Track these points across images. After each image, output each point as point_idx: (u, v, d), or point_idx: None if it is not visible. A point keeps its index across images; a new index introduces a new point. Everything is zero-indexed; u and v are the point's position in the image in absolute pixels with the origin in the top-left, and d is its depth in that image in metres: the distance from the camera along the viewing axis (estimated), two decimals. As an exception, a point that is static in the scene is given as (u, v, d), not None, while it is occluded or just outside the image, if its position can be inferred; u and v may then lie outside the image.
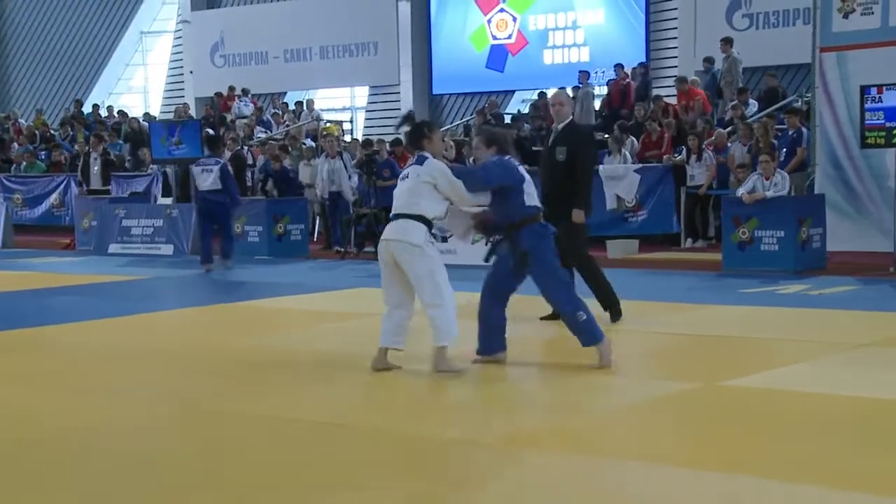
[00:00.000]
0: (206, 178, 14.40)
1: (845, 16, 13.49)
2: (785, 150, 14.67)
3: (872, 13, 13.27)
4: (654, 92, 19.59)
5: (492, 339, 7.47)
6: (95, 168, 19.53)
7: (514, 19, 23.96)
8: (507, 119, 20.46)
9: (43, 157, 23.36)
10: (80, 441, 5.78)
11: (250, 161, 19.53)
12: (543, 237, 7.34)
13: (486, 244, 7.68)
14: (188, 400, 6.72)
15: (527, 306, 8.95)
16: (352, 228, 15.93)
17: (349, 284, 12.14)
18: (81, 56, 30.60)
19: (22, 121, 27.09)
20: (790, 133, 14.84)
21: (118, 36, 30.26)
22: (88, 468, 5.28)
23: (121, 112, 25.88)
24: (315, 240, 17.80)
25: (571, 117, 9.33)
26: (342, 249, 16.04)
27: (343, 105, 28.01)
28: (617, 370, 7.40)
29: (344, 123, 25.04)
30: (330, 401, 6.65)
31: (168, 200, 18.81)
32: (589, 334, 7.30)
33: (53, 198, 21.28)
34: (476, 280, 11.47)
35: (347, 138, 22.52)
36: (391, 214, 7.27)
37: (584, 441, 5.62)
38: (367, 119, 26.47)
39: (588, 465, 5.16)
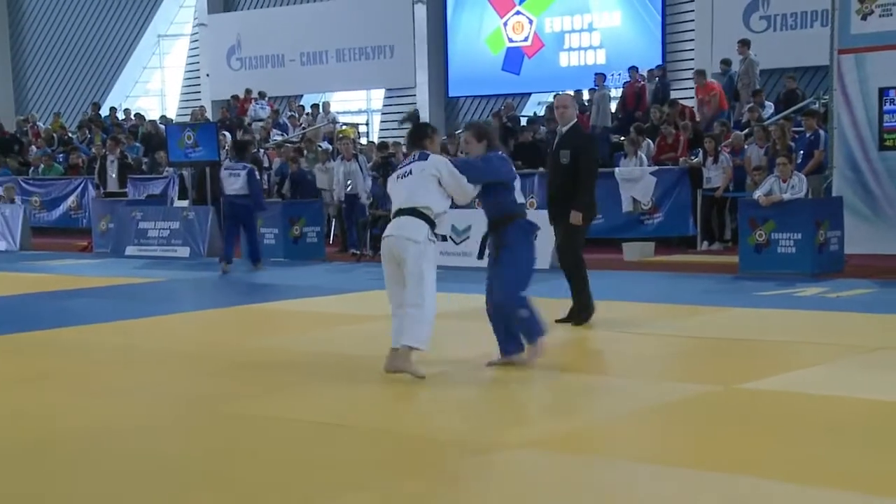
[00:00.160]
0: (234, 182, 14.68)
1: (864, 17, 13.42)
2: (802, 152, 14.61)
3: (891, 15, 13.19)
4: (672, 95, 19.54)
5: (508, 342, 7.45)
6: (112, 171, 19.59)
7: (531, 22, 23.93)
8: (524, 122, 20.44)
9: (60, 159, 23.48)
10: (92, 441, 5.80)
11: (266, 164, 19.57)
12: (528, 233, 7.40)
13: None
14: (200, 401, 6.73)
15: (541, 309, 8.94)
16: (367, 231, 15.95)
17: (364, 287, 12.14)
18: (99, 59, 30.73)
19: (40, 124, 27.22)
20: (807, 135, 14.78)
21: (135, 39, 30.38)
22: (100, 468, 5.30)
23: (138, 115, 25.98)
24: (331, 242, 17.82)
25: (576, 120, 9.32)
26: (358, 252, 16.05)
27: (359, 108, 28.04)
28: (632, 373, 7.38)
29: (360, 126, 25.06)
30: (339, 402, 6.65)
31: (184, 203, 18.87)
32: (527, 332, 7.33)
33: (71, 200, 21.38)
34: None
35: (363, 141, 22.54)
36: (395, 210, 7.18)
37: (595, 444, 5.60)
38: (382, 122, 26.48)
39: (598, 468, 5.14)
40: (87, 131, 25.28)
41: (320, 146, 19.25)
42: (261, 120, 23.70)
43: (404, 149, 16.63)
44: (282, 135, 22.83)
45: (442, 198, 7.14)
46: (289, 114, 24.78)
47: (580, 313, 9.15)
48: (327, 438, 5.79)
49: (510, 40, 24.21)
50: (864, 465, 5.03)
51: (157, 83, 31.76)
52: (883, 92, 12.43)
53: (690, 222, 15.52)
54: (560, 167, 9.01)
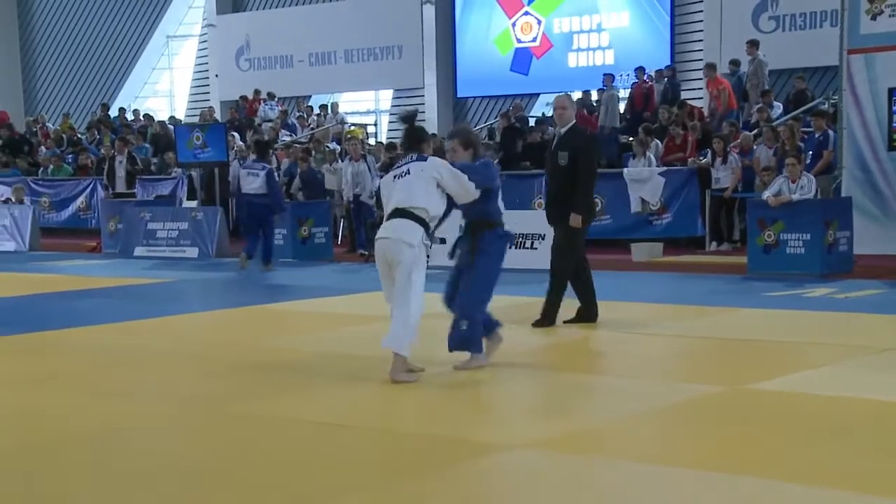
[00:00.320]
0: (252, 182, 14.88)
1: (873, 17, 13.38)
2: (811, 152, 14.57)
3: (900, 15, 13.16)
4: (681, 95, 19.51)
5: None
6: (121, 172, 19.63)
7: (539, 22, 23.92)
8: (532, 122, 20.43)
9: (70, 160, 23.53)
10: (100, 442, 5.82)
11: (275, 164, 19.58)
12: (504, 241, 7.47)
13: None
14: (206, 401, 6.74)
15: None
16: (375, 232, 15.93)
17: (372, 288, 12.09)
18: (108, 60, 30.80)
19: (49, 125, 27.30)
20: (816, 136, 14.74)
21: (144, 40, 30.45)
22: (108, 468, 5.31)
23: (146, 115, 26.03)
24: (339, 243, 17.83)
25: (574, 121, 9.31)
26: (366, 252, 16.05)
27: (367, 108, 28.06)
28: (639, 373, 7.37)
29: (368, 126, 25.08)
30: (343, 403, 6.66)
31: (193, 203, 18.90)
32: (467, 342, 7.31)
33: (80, 201, 21.43)
34: (499, 283, 11.45)
35: (372, 141, 22.56)
36: (391, 210, 7.13)
37: (600, 444, 5.60)
38: (391, 122, 26.48)
39: (602, 469, 5.13)
40: (96, 132, 25.33)
41: (328, 147, 19.25)
42: (270, 121, 23.73)
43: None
44: (290, 135, 22.85)
45: (440, 201, 7.12)
46: (297, 114, 24.80)
47: (546, 317, 9.07)
48: (331, 439, 5.80)
49: (518, 41, 24.20)
50: (871, 466, 5.01)
51: (165, 84, 31.83)
52: (892, 92, 12.39)
53: (699, 223, 15.49)
54: (558, 168, 8.99)
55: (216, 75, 28.69)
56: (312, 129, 23.15)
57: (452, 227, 7.71)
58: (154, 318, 10.38)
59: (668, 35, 22.34)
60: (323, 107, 24.46)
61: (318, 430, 5.97)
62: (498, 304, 10.41)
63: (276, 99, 24.99)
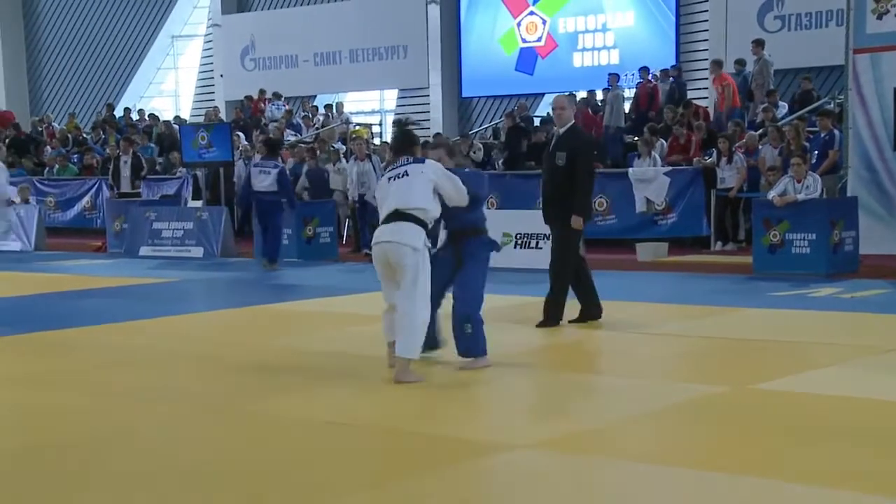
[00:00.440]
0: (264, 180, 14.93)
1: (879, 17, 13.36)
2: (817, 152, 14.55)
3: (907, 14, 13.14)
4: (688, 94, 19.48)
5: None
6: (125, 172, 19.63)
7: (544, 22, 23.91)
8: (537, 122, 20.42)
9: (75, 160, 23.55)
10: (107, 442, 5.82)
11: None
12: (489, 248, 7.57)
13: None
14: (212, 401, 6.75)
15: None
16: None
17: (377, 287, 12.09)
18: (113, 60, 30.83)
19: (55, 124, 27.33)
20: (822, 135, 14.72)
21: (149, 40, 30.47)
22: (115, 469, 5.31)
23: (152, 115, 26.05)
24: (344, 242, 17.82)
25: (573, 121, 9.29)
26: (371, 252, 16.03)
27: (372, 108, 28.06)
28: (644, 373, 7.36)
29: (373, 126, 25.08)
30: (349, 402, 6.66)
31: (198, 203, 18.90)
32: (474, 345, 7.35)
33: (85, 201, 21.45)
34: (503, 283, 11.47)
35: (377, 141, 22.55)
36: (389, 212, 7.10)
37: (605, 444, 5.59)
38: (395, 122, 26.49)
39: (607, 469, 5.13)
40: (101, 132, 25.37)
41: (333, 146, 19.26)
42: (276, 121, 23.74)
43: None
44: (295, 135, 22.86)
45: (436, 203, 7.14)
46: (302, 114, 24.81)
47: (550, 317, 9.05)
48: (334, 438, 5.80)
49: (524, 40, 24.19)
50: (876, 467, 5.00)
51: (170, 84, 31.86)
52: (898, 91, 12.39)
53: (704, 223, 15.48)
54: (556, 169, 8.97)
55: (221, 75, 28.71)
56: (317, 128, 23.16)
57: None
58: (159, 318, 10.38)
59: (674, 35, 22.32)
60: (328, 106, 24.47)
61: (322, 429, 5.97)
62: (501, 303, 10.43)
63: (282, 99, 25.00)
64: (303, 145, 20.28)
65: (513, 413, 6.50)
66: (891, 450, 5.31)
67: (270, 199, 14.94)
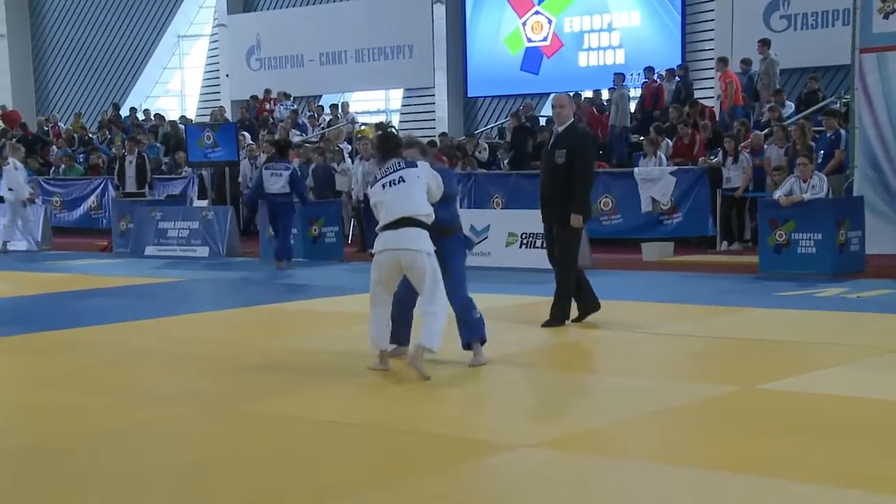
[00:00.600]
0: (276, 182, 15.02)
1: (886, 16, 13.33)
2: (823, 152, 14.51)
3: (913, 14, 13.11)
4: (694, 94, 19.44)
5: (399, 332, 7.66)
6: (130, 171, 19.65)
7: (550, 21, 23.88)
8: (542, 122, 20.40)
9: (81, 160, 23.59)
10: (111, 442, 5.83)
11: (285, 164, 19.57)
12: (465, 247, 7.81)
13: None
14: (218, 400, 6.76)
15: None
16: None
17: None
18: (119, 60, 30.86)
19: (61, 124, 27.37)
20: (828, 135, 14.68)
21: (155, 40, 30.49)
22: (120, 469, 5.31)
23: (157, 115, 26.07)
24: (349, 242, 17.83)
25: (573, 119, 9.27)
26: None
27: (378, 108, 28.06)
28: (650, 374, 7.35)
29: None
30: (355, 402, 6.67)
31: (204, 203, 18.91)
32: (481, 327, 7.55)
33: (91, 200, 21.48)
34: (508, 282, 11.47)
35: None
36: (394, 219, 7.17)
37: (611, 444, 5.58)
38: (401, 121, 26.48)
39: (614, 469, 5.12)
40: (107, 132, 25.39)
41: (338, 146, 19.26)
42: (282, 121, 23.75)
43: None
44: (300, 135, 22.86)
45: (429, 205, 7.31)
46: (308, 114, 24.82)
47: (555, 317, 9.04)
48: (341, 437, 5.80)
49: (529, 40, 24.17)
50: (882, 467, 4.99)
51: (176, 83, 31.88)
52: (904, 91, 12.36)
53: (710, 222, 15.45)
54: (555, 167, 8.95)
55: (227, 75, 28.72)
56: (323, 128, 23.16)
57: None
58: (163, 318, 10.39)
59: (679, 34, 22.28)
60: (333, 106, 24.47)
61: (325, 428, 5.97)
62: (507, 303, 10.43)
63: (291, 99, 25.02)
64: (308, 145, 20.28)
65: (517, 412, 6.50)
66: (897, 450, 5.30)
67: (283, 200, 15.03)
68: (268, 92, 25.08)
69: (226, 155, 17.94)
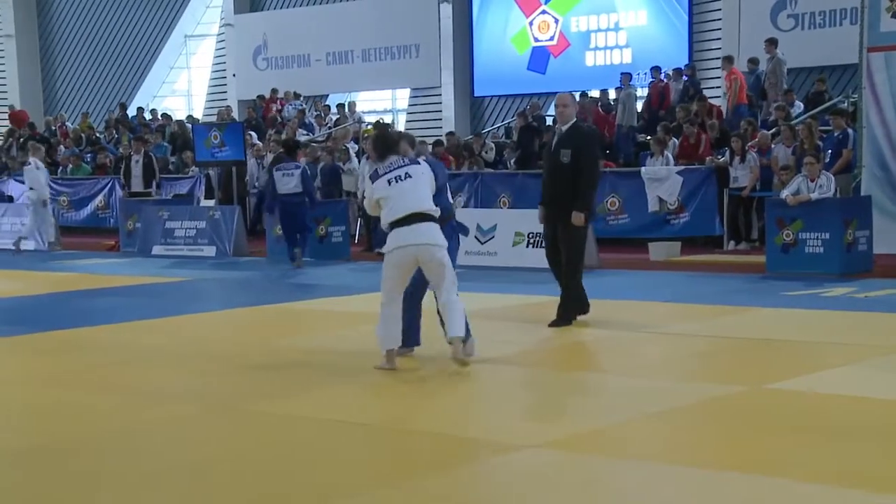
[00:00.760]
0: (288, 182, 15.06)
1: (893, 15, 13.31)
2: (830, 151, 14.48)
3: (921, 12, 13.08)
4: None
5: (410, 335, 7.70)
6: (136, 171, 19.68)
7: (556, 21, 23.86)
8: (549, 121, 20.39)
9: (88, 159, 23.63)
10: (118, 442, 5.83)
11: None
12: (458, 234, 7.88)
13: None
14: (224, 400, 6.76)
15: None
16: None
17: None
18: (126, 59, 30.91)
19: (68, 124, 27.41)
20: (836, 134, 14.65)
21: (162, 39, 30.54)
22: (126, 469, 5.32)
23: (164, 115, 26.11)
24: (356, 242, 17.84)
25: (576, 119, 9.26)
26: (383, 252, 16.03)
27: (384, 107, 28.07)
28: (657, 373, 7.34)
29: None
30: (361, 401, 6.67)
31: (211, 202, 18.93)
32: (466, 322, 7.54)
33: (98, 200, 21.51)
34: (515, 282, 11.46)
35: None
36: (405, 214, 7.20)
37: (618, 444, 5.57)
38: (408, 121, 26.49)
39: (620, 469, 5.12)
40: (114, 131, 25.43)
41: (344, 146, 19.27)
42: (289, 120, 23.77)
43: (429, 148, 16.64)
44: (307, 134, 22.88)
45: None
46: (315, 113, 24.84)
47: (562, 316, 9.01)
48: (346, 437, 5.80)
49: (536, 39, 24.15)
50: (889, 467, 4.97)
51: (183, 83, 31.92)
52: (912, 90, 12.33)
53: (717, 222, 15.43)
54: (560, 166, 8.94)
55: (234, 74, 28.76)
56: (329, 128, 23.17)
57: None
58: (171, 317, 10.41)
59: (686, 33, 22.25)
60: (340, 106, 24.48)
61: (333, 427, 5.98)
62: (512, 303, 10.43)
63: (301, 98, 25.04)
64: (315, 144, 20.30)
65: (522, 412, 6.50)
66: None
67: (297, 200, 15.08)
68: (274, 91, 25.09)
69: (233, 154, 17.96)
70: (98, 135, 26.09)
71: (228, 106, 26.14)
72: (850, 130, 14.43)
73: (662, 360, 7.84)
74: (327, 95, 27.13)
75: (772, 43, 18.06)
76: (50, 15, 32.32)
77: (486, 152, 19.36)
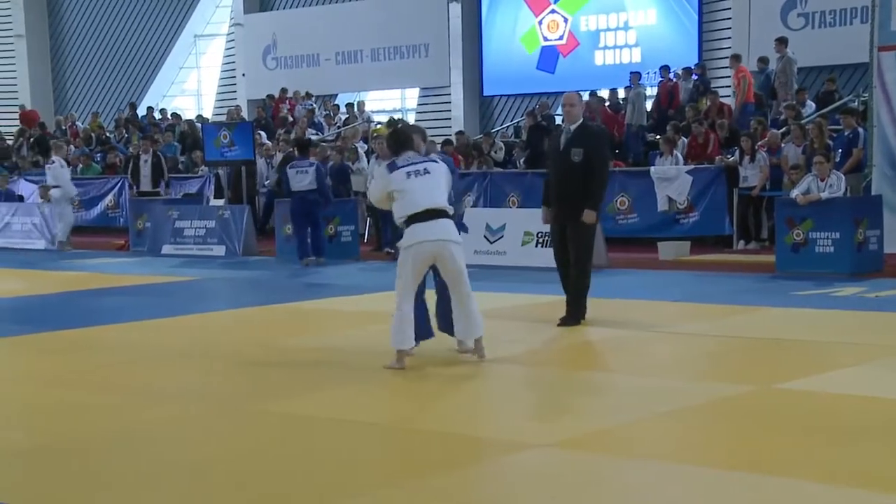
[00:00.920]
0: (303, 179, 15.20)
1: (904, 14, 13.25)
2: (840, 150, 14.44)
3: (932, 11, 13.03)
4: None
5: (421, 328, 7.70)
6: (145, 170, 19.71)
7: (566, 20, 23.83)
8: (558, 120, 20.37)
9: (98, 159, 23.68)
10: (123, 441, 5.84)
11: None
12: (460, 229, 7.81)
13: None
14: (231, 399, 6.76)
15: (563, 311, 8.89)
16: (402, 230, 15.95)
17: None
18: (136, 59, 30.98)
19: (78, 124, 27.47)
20: (846, 133, 14.60)
21: (172, 39, 30.60)
22: (131, 468, 5.32)
23: (174, 114, 26.16)
24: (365, 241, 17.84)
25: (582, 118, 9.24)
26: (392, 251, 16.04)
27: (393, 107, 28.07)
28: (667, 373, 7.33)
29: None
30: (368, 401, 6.66)
31: (220, 202, 18.95)
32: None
33: (108, 199, 21.56)
34: (524, 281, 11.44)
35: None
36: (422, 209, 7.21)
37: (626, 444, 5.56)
38: (417, 121, 26.48)
39: (628, 469, 5.10)
40: (124, 131, 25.48)
41: (353, 145, 19.28)
42: (299, 120, 23.77)
43: (439, 147, 16.63)
44: (317, 134, 22.89)
45: None
46: (324, 113, 24.86)
47: (576, 315, 9.01)
48: (353, 436, 5.80)
49: (545, 39, 24.13)
50: (902, 468, 4.95)
51: (193, 83, 31.98)
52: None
53: (726, 221, 15.39)
54: (571, 166, 8.90)
55: (243, 74, 28.80)
56: (339, 127, 23.18)
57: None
58: (180, 317, 10.42)
59: (696, 33, 22.20)
60: (349, 105, 24.49)
61: (339, 427, 5.97)
62: (521, 302, 10.42)
63: (313, 98, 25.06)
64: (324, 144, 20.31)
65: (530, 412, 6.48)
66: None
67: (311, 197, 15.17)
68: (284, 91, 25.12)
69: (242, 154, 17.98)
70: (108, 134, 26.15)
71: (238, 105, 26.18)
72: (860, 129, 14.38)
73: (672, 359, 7.82)
74: (336, 95, 27.15)
75: (782, 42, 18.01)
76: (60, 15, 32.41)
77: (496, 152, 19.35)
